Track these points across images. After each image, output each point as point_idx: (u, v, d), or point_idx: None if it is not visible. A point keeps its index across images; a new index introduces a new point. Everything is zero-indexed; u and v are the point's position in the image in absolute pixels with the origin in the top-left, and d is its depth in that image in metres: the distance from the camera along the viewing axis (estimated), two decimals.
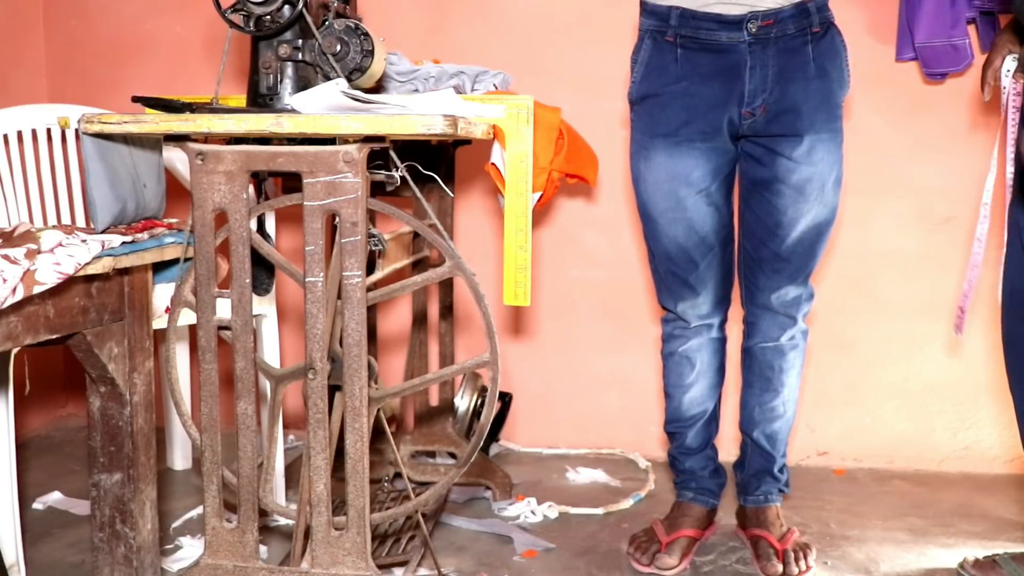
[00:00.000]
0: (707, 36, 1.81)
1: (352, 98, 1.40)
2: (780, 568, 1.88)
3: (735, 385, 2.07)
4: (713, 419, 2.05)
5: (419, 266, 2.18)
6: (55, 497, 2.25)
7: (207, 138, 1.44)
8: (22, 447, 2.46)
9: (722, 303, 1.98)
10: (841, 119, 1.88)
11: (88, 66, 2.84)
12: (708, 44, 1.81)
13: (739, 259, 1.98)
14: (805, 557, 1.91)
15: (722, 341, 2.03)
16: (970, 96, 2.45)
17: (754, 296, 1.95)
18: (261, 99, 1.51)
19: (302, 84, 1.51)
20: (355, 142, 1.37)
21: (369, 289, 1.44)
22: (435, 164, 2.14)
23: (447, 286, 2.34)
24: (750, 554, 1.98)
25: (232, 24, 1.49)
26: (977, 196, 2.47)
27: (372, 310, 2.35)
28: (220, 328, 1.46)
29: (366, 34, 1.54)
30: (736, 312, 2.03)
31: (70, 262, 1.31)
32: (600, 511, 2.23)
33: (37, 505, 2.22)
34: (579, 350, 2.68)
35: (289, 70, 1.51)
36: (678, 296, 1.96)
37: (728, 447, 2.34)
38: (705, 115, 1.83)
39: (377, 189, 1.49)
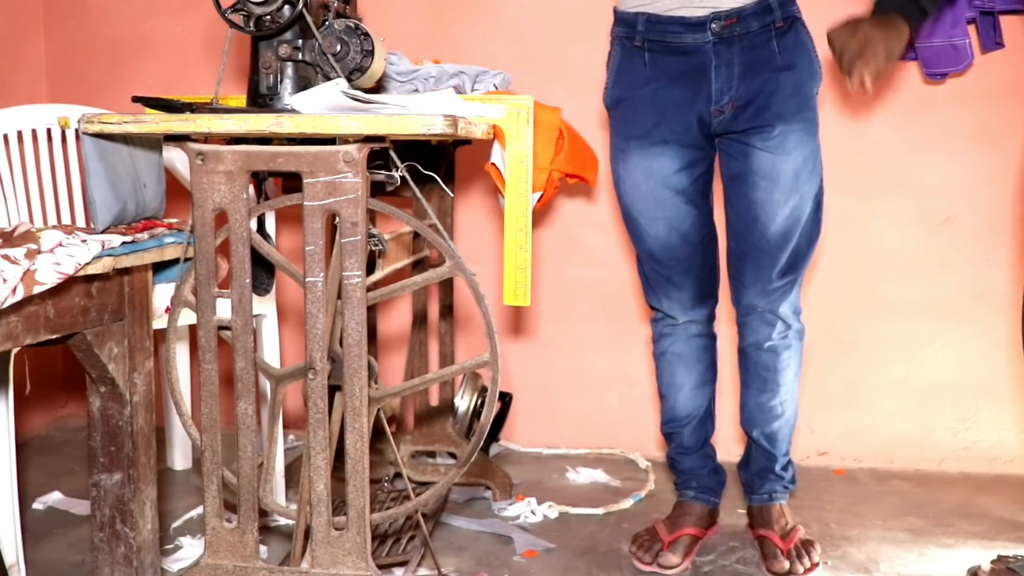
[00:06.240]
0: (673, 39, 1.83)
1: (352, 98, 1.40)
2: (786, 565, 1.88)
3: (735, 385, 2.07)
4: (708, 417, 2.05)
5: (419, 266, 2.18)
6: (55, 497, 2.25)
7: (207, 138, 1.43)
8: (22, 447, 2.45)
9: (707, 300, 1.99)
10: (814, 110, 1.88)
11: (88, 66, 2.84)
12: (674, 47, 1.84)
13: (727, 259, 1.99)
14: (809, 554, 1.91)
15: (711, 338, 2.03)
16: (970, 96, 2.45)
17: (742, 296, 1.96)
18: (261, 99, 1.51)
19: (302, 84, 1.51)
20: (355, 142, 1.37)
21: (369, 289, 1.44)
22: (435, 164, 2.14)
23: (447, 286, 2.34)
24: (757, 553, 1.98)
25: (232, 24, 1.49)
26: (977, 196, 2.47)
27: (372, 310, 2.35)
28: (220, 328, 1.46)
29: (366, 34, 1.53)
30: (731, 312, 2.02)
31: (70, 262, 1.31)
32: (600, 511, 2.23)
33: (37, 505, 2.22)
34: (579, 350, 2.68)
35: (289, 70, 1.51)
36: (663, 293, 1.98)
37: (730, 447, 2.34)
38: (675, 115, 1.86)
39: (377, 189, 1.49)
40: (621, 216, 1.98)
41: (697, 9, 1.81)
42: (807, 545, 1.94)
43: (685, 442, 2.05)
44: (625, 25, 1.89)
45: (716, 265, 2.00)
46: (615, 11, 1.92)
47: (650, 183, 1.89)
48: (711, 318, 2.02)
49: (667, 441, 2.10)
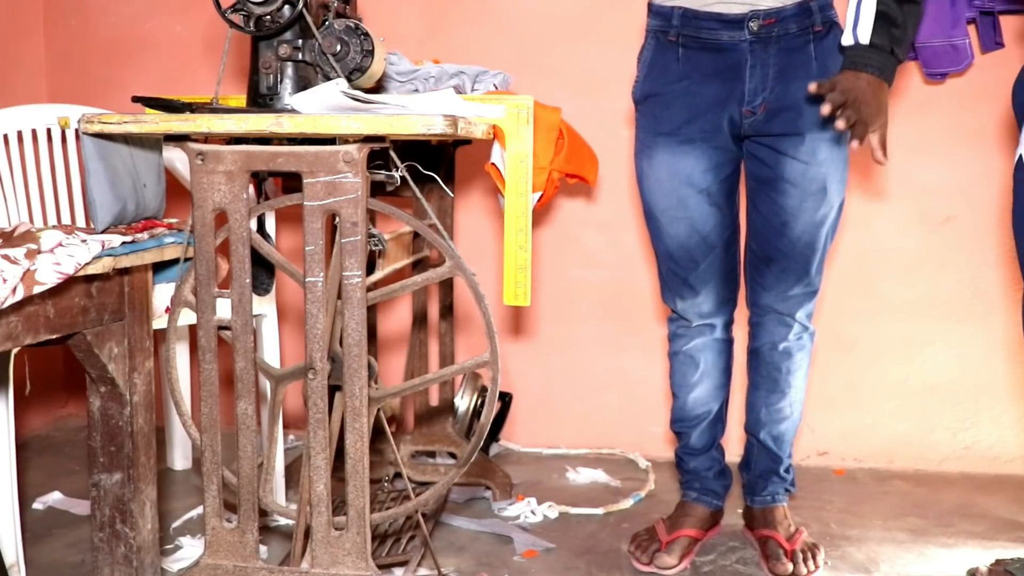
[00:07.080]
0: (709, 35, 1.81)
1: (352, 98, 1.40)
2: (790, 567, 1.88)
3: (739, 385, 2.07)
4: (719, 420, 2.05)
5: (419, 266, 2.18)
6: (55, 497, 2.25)
7: (207, 138, 1.44)
8: (22, 447, 2.46)
9: (725, 304, 1.98)
10: None
11: (88, 66, 2.84)
12: (709, 43, 1.82)
13: (745, 260, 1.98)
14: (814, 557, 1.91)
15: (727, 342, 2.02)
16: (970, 96, 2.45)
17: (760, 297, 1.95)
18: (261, 99, 1.51)
19: (302, 84, 1.51)
20: (355, 142, 1.38)
21: (369, 289, 1.44)
22: (435, 164, 2.14)
23: (447, 286, 2.34)
24: (758, 554, 1.98)
25: (232, 24, 1.49)
26: (977, 196, 2.47)
27: (372, 310, 2.35)
28: (220, 328, 1.46)
29: (366, 34, 1.54)
30: (741, 313, 2.02)
31: (70, 262, 1.31)
32: (600, 511, 2.23)
33: (37, 505, 2.22)
34: (579, 350, 2.68)
35: (289, 70, 1.51)
36: (678, 295, 1.96)
37: (732, 447, 2.34)
38: (705, 114, 1.84)
39: (377, 189, 1.49)
40: (642, 212, 1.97)
41: (736, 6, 1.79)
42: (813, 548, 1.94)
43: (692, 443, 2.04)
44: (660, 18, 1.86)
45: (736, 270, 1.98)
46: (650, 4, 1.89)
47: (674, 181, 1.87)
48: (729, 323, 2.00)
49: (676, 439, 2.09)
